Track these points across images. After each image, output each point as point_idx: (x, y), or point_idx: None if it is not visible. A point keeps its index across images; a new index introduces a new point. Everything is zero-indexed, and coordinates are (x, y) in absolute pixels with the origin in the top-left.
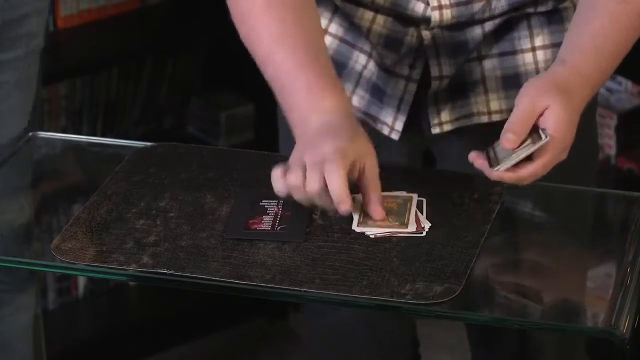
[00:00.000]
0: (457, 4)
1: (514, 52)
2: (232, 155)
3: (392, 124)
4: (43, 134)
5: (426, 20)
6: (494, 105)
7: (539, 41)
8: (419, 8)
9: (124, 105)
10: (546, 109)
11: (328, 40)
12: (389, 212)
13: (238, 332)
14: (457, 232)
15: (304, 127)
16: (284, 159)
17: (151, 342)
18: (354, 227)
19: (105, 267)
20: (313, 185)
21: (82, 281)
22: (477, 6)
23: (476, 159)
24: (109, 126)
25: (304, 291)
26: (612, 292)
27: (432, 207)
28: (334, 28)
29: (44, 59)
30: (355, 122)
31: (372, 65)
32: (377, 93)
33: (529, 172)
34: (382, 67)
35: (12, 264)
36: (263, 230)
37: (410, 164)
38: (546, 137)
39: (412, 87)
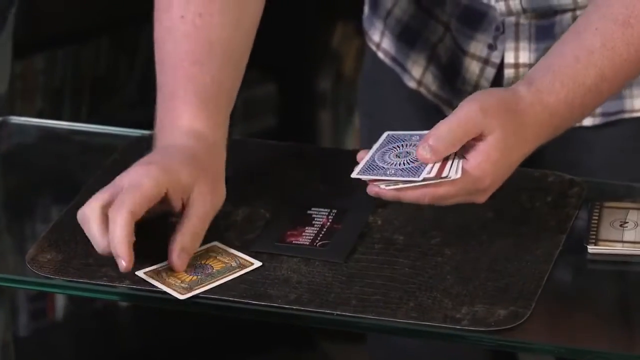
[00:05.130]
0: None
1: None
2: (249, 147)
3: None
4: (15, 119)
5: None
6: None
7: None
8: None
9: (115, 83)
10: (487, 134)
11: (404, 5)
12: None
13: None
14: (525, 244)
15: (155, 145)
16: (312, 150)
17: None
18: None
19: (91, 283)
20: (90, 229)
21: (61, 301)
22: None
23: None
24: (96, 109)
25: (337, 314)
26: None
27: (495, 213)
28: None
29: (15, 24)
30: (212, 150)
31: (448, 40)
32: (451, 74)
33: (412, 196)
34: (457, 44)
35: None
36: (299, 244)
37: None
38: (454, 174)
39: (490, 72)
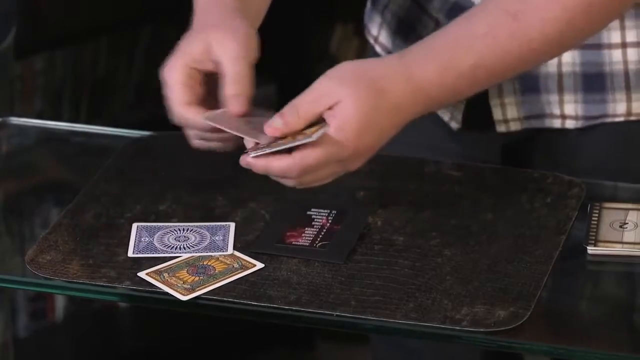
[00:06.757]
0: None
1: (599, 46)
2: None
3: (452, 111)
4: (15, 120)
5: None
6: (569, 108)
7: (631, 36)
8: None
9: (115, 84)
10: (341, 101)
11: None
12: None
13: None
14: (525, 245)
15: None
16: None
17: None
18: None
19: (91, 284)
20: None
21: (61, 302)
22: None
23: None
24: (96, 110)
25: (337, 315)
26: None
27: (495, 214)
28: None
29: (15, 25)
30: (228, 12)
31: None
32: None
33: (280, 166)
34: None
35: None
36: (299, 245)
37: (487, 158)
38: (322, 130)
39: None
